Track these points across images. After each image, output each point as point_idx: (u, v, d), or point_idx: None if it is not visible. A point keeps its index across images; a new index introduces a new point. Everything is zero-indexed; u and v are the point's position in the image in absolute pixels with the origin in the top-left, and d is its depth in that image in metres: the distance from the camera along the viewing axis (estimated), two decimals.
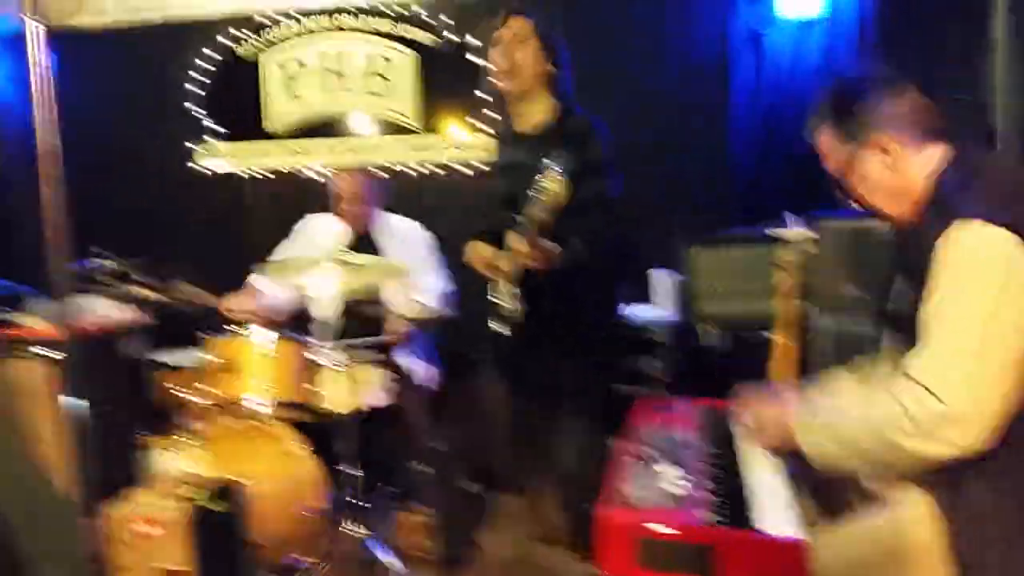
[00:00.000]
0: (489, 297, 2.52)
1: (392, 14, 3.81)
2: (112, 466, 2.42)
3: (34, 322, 2.80)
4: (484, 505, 3.42)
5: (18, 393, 2.50)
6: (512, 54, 2.41)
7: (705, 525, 1.37)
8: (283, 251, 3.29)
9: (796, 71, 3.45)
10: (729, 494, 1.47)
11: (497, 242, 2.47)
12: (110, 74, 3.93)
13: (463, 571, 2.95)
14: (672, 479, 1.52)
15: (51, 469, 2.41)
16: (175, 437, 2.66)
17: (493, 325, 2.50)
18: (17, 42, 4.04)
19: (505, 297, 2.43)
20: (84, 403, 2.26)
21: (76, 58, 3.72)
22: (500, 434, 3.63)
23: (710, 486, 1.50)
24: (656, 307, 3.39)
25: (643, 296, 3.47)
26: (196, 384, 2.75)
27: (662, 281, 3.44)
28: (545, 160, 2.06)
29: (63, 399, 2.05)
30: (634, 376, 3.13)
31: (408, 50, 3.81)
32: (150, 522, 2.24)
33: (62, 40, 4.01)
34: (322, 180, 3.86)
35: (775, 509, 1.43)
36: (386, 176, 3.47)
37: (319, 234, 3.31)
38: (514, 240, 2.25)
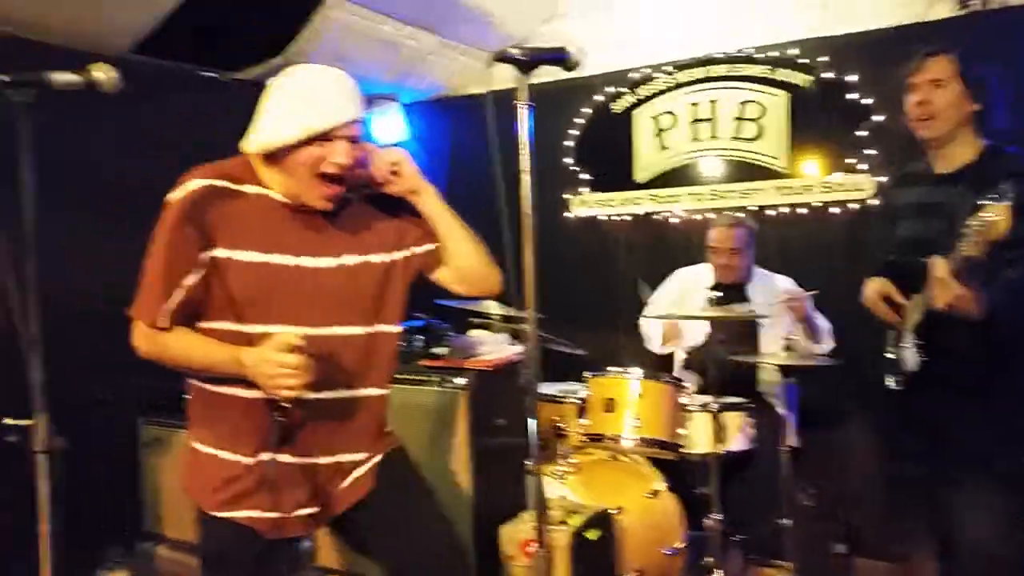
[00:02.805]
0: (888, 349, 2.38)
1: (765, 59, 3.81)
2: (508, 490, 2.72)
3: (446, 353, 3.26)
4: (850, 568, 3.20)
5: (435, 419, 2.91)
6: (931, 100, 2.25)
7: None
8: (658, 299, 3.47)
9: None
10: None
11: (897, 286, 2.34)
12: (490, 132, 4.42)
13: None
14: None
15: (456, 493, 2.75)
16: (554, 465, 2.91)
17: (887, 379, 2.35)
18: (420, 107, 4.86)
19: (905, 347, 2.28)
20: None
21: (468, 119, 4.34)
22: (875, 494, 3.38)
23: None
24: None
25: None
26: (575, 417, 3.00)
27: None
28: (989, 193, 1.89)
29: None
30: None
31: (780, 92, 3.78)
32: (536, 544, 2.47)
33: (457, 105, 4.73)
34: (686, 226, 3.98)
35: None
36: (756, 227, 3.45)
37: (691, 285, 3.43)
38: (939, 269, 2.04)
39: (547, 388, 3.26)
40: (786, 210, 3.78)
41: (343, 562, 2.81)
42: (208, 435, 1.76)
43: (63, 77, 1.49)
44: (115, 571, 3.31)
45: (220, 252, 1.65)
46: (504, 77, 1.62)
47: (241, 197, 1.69)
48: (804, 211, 3.73)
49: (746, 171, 3.88)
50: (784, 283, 3.37)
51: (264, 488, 1.70)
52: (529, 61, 1.50)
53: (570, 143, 4.34)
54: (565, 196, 4.36)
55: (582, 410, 3.08)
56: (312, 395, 1.65)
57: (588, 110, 4.30)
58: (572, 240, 4.34)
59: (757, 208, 3.83)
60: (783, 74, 3.77)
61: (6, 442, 1.46)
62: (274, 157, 1.68)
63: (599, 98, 4.26)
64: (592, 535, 2.60)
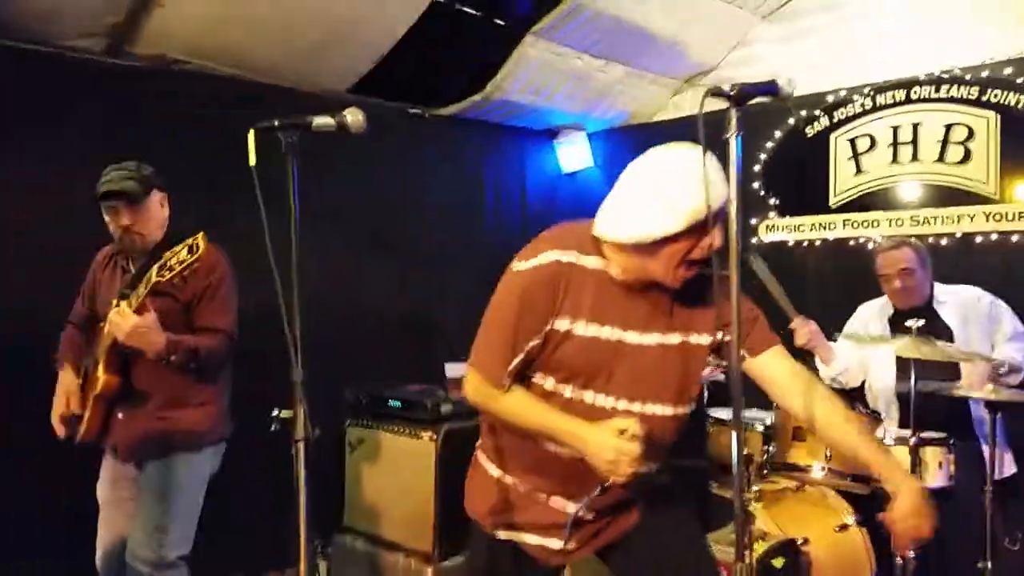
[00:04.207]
0: None
1: (974, 80, 3.61)
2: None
3: None
4: None
5: None
6: None
7: None
8: (848, 330, 3.35)
9: None
10: None
11: None
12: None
13: None
14: None
15: None
16: (744, 491, 2.91)
17: None
18: (604, 135, 5.00)
19: None
20: None
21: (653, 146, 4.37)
22: None
23: None
24: None
25: None
26: (760, 444, 2.98)
27: None
28: None
29: None
30: None
31: (990, 113, 3.57)
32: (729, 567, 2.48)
33: (642, 132, 4.82)
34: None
35: None
36: (922, 247, 3.25)
37: (871, 317, 3.29)
38: None
39: (724, 413, 3.25)
40: (996, 237, 3.55)
41: None
42: (506, 462, 1.86)
43: (322, 120, 1.75)
44: (318, 560, 3.64)
45: (561, 323, 1.69)
46: (690, 103, 1.62)
47: (583, 270, 1.71)
48: (1017, 239, 3.49)
49: (950, 196, 3.69)
50: (975, 294, 3.13)
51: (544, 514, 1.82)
52: (741, 95, 1.47)
53: (758, 168, 4.31)
54: (753, 221, 4.33)
55: (767, 437, 3.05)
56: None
57: (779, 133, 4.25)
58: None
59: (962, 235, 3.62)
60: (993, 95, 3.56)
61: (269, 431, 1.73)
62: (636, 245, 1.65)
63: (791, 121, 4.21)
64: (778, 563, 2.58)
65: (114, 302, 2.39)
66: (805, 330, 3.10)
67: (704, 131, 1.47)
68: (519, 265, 1.73)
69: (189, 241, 2.25)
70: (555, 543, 1.82)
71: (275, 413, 1.77)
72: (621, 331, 1.72)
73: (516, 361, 1.71)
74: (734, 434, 1.59)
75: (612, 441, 1.61)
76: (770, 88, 1.51)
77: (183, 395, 2.55)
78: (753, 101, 1.48)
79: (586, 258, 1.72)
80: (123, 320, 2.30)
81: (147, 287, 2.28)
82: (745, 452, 3.06)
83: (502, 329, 1.71)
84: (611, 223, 1.68)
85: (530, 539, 1.84)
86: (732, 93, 1.46)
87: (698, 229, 1.60)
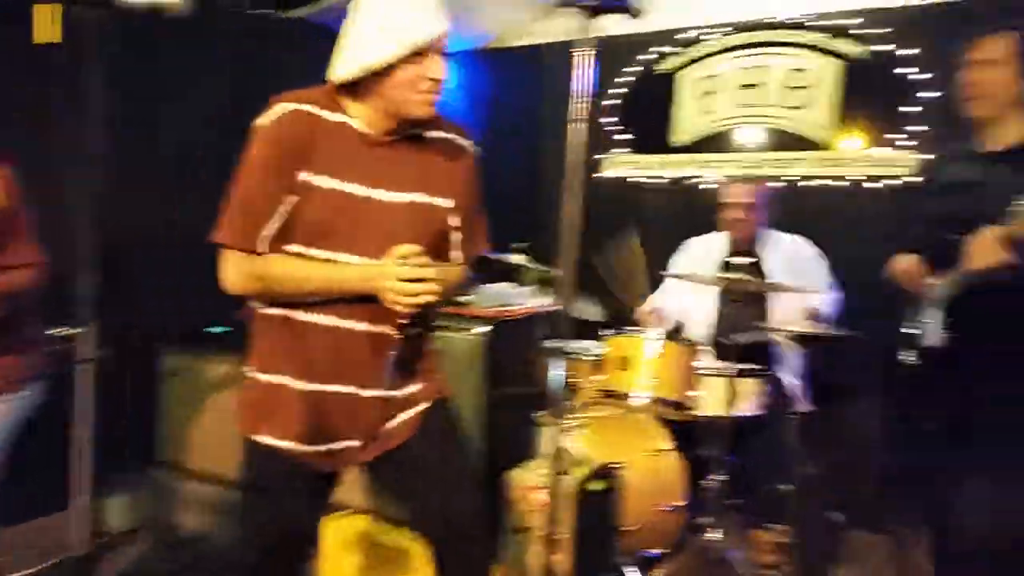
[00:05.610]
0: (906, 323, 2.36)
1: (820, 27, 3.71)
2: (518, 438, 2.77)
3: (470, 302, 3.31)
4: (844, 537, 3.22)
5: (452, 366, 2.96)
6: (984, 79, 2.23)
7: None
8: (673, 266, 3.45)
9: None
10: None
11: (926, 263, 2.33)
12: (532, 88, 4.27)
13: None
14: None
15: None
16: (565, 418, 2.95)
17: (903, 354, 2.34)
18: (465, 56, 4.82)
19: (927, 323, 2.26)
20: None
21: (509, 73, 4.34)
22: (876, 468, 3.37)
23: None
24: None
25: None
26: (590, 373, 3.03)
27: None
28: None
29: None
30: None
31: (832, 61, 3.69)
32: (540, 491, 2.51)
33: (504, 56, 4.72)
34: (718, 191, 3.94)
35: None
36: (778, 188, 3.41)
37: (703, 252, 3.41)
38: (991, 232, 2.03)
39: (564, 344, 3.28)
40: (826, 182, 3.72)
41: (367, 502, 2.87)
42: (274, 363, 1.75)
43: None
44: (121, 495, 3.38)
45: (306, 176, 1.65)
46: (552, 31, 1.64)
47: (326, 124, 1.68)
48: (843, 184, 3.67)
49: (789, 141, 3.82)
50: (797, 244, 3.33)
51: (318, 418, 1.73)
52: (594, 6, 1.53)
53: (609, 103, 4.30)
54: (598, 157, 4.33)
55: (598, 368, 3.10)
56: (376, 328, 1.70)
57: (631, 70, 4.24)
58: (602, 201, 4.31)
59: (798, 178, 3.77)
60: (837, 43, 3.67)
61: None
62: (361, 85, 1.67)
63: (643, 58, 4.20)
64: (596, 487, 2.65)
65: None
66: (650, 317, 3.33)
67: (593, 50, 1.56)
68: (258, 122, 1.66)
69: None
70: (337, 444, 1.75)
71: (55, 331, 1.59)
72: (369, 188, 1.69)
73: (271, 225, 1.65)
74: (549, 363, 1.60)
75: (397, 269, 1.62)
76: (622, 1, 1.58)
77: None
78: (612, 33, 1.51)
79: (328, 112, 1.69)
80: None
81: None
82: (573, 381, 3.12)
83: (248, 190, 1.65)
84: (344, 64, 1.67)
85: (296, 446, 1.74)
86: (586, 3, 1.54)
87: (415, 58, 1.64)
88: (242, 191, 1.66)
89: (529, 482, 2.65)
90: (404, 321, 1.68)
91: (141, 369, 3.37)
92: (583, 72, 1.55)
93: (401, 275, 1.62)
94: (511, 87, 4.56)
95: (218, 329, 3.43)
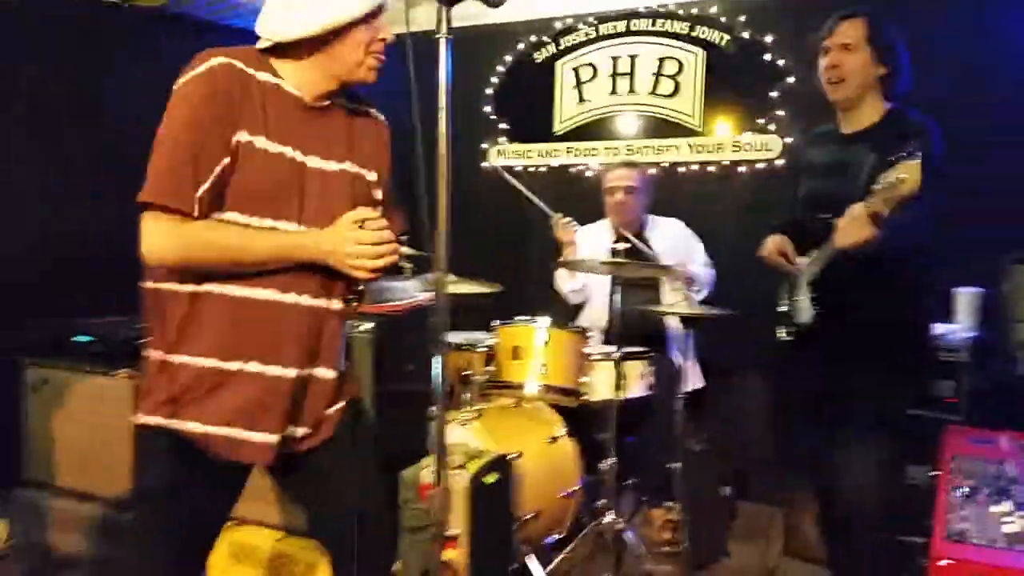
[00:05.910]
0: (781, 301, 2.46)
1: (686, 16, 3.82)
2: (411, 436, 2.72)
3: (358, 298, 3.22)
4: (734, 510, 3.36)
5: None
6: (841, 63, 2.31)
7: None
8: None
9: None
10: None
11: (795, 243, 2.41)
12: (402, 79, 4.33)
13: (707, 572, 2.96)
14: (1007, 516, 1.41)
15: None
16: (458, 411, 2.92)
17: (779, 331, 2.44)
18: None
19: (799, 300, 2.36)
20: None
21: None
22: (761, 442, 3.53)
23: None
24: (958, 327, 3.06)
25: (942, 315, 3.15)
26: (482, 364, 3.01)
27: (967, 300, 3.10)
28: (899, 152, 1.93)
29: None
30: (925, 399, 2.86)
31: (698, 49, 3.81)
32: (433, 488, 2.46)
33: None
34: (597, 178, 4.00)
35: None
36: (656, 174, 3.52)
37: (590, 240, 3.47)
38: (856, 209, 2.06)
39: (455, 336, 3.25)
40: (696, 168, 3.84)
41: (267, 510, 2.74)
42: (198, 343, 1.55)
43: None
44: None
45: (242, 135, 1.49)
46: (421, 21, 1.60)
47: (260, 83, 1.54)
48: (713, 169, 3.81)
49: (662, 127, 3.92)
50: (677, 226, 3.48)
51: (256, 402, 1.56)
52: None
53: (490, 92, 4.29)
54: (484, 146, 4.32)
55: (490, 358, 3.09)
56: (317, 302, 1.61)
57: (509, 58, 4.24)
58: (490, 190, 4.30)
59: (669, 164, 3.88)
60: (702, 32, 3.79)
61: None
62: (302, 46, 1.56)
63: (521, 47, 4.21)
64: (490, 479, 2.63)
65: None
66: (566, 228, 3.39)
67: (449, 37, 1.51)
68: (183, 78, 1.49)
69: None
70: (256, 436, 1.57)
71: None
72: (303, 155, 1.58)
73: (206, 185, 1.46)
74: (436, 358, 1.56)
75: (351, 233, 1.54)
76: None
77: None
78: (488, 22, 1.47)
79: (258, 72, 1.55)
80: None
81: None
82: (467, 372, 3.09)
83: (181, 145, 1.45)
84: (295, 22, 1.54)
85: (231, 432, 1.56)
86: None
87: (374, 17, 1.58)
88: (173, 146, 1.46)
89: (424, 480, 2.60)
90: (352, 294, 1.61)
91: (3, 383, 3.13)
92: (446, 61, 1.50)
93: (362, 239, 1.54)
94: (380, 78, 4.47)
95: (84, 339, 3.19)
